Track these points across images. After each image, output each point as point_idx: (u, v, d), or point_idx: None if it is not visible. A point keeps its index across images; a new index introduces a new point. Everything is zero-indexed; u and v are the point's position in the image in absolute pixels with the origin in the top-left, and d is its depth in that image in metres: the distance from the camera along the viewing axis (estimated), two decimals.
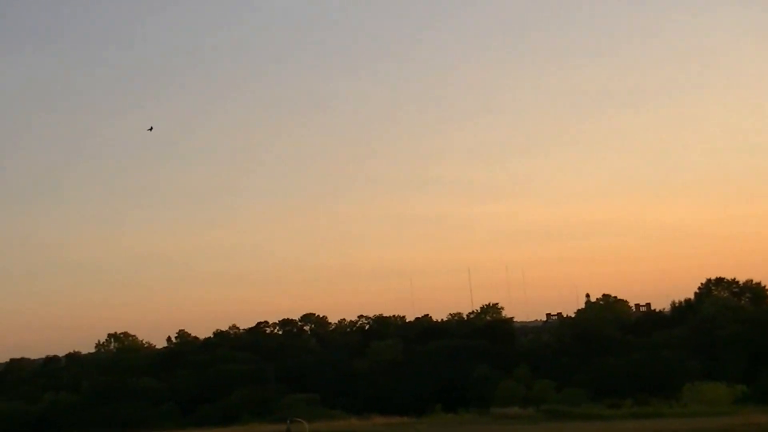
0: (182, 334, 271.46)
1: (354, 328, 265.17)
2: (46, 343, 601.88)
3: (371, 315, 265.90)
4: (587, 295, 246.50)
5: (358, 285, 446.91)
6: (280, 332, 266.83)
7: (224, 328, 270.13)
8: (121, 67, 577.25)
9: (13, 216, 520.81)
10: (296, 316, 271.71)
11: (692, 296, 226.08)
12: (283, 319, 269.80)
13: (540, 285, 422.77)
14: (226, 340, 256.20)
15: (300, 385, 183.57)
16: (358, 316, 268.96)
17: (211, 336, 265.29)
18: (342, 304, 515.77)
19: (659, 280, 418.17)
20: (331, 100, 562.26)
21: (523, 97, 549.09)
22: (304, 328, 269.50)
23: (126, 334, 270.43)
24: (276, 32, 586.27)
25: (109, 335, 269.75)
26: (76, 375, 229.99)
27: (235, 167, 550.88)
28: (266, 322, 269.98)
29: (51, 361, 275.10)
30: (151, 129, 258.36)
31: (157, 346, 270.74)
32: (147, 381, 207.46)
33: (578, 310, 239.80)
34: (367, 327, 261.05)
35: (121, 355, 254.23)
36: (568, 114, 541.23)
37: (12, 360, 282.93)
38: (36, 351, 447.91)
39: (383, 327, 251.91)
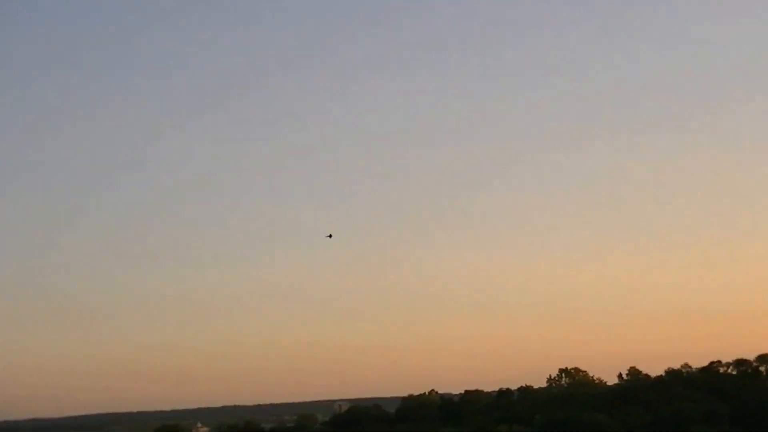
0: (633, 371, 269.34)
1: None
2: (500, 377, 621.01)
3: None
4: None
5: None
6: (734, 372, 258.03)
7: (676, 366, 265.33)
8: None
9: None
10: (751, 356, 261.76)
11: None
12: (738, 359, 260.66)
13: None
14: (678, 379, 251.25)
15: (759, 427, 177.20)
16: None
17: (663, 374, 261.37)
18: None
19: None
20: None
21: None
22: (760, 369, 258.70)
23: (577, 370, 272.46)
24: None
25: (561, 370, 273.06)
26: (528, 408, 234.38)
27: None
28: (719, 361, 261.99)
29: (504, 394, 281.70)
30: (330, 236, 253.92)
31: (608, 383, 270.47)
32: (599, 417, 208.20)
33: None
34: None
35: (573, 390, 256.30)
36: None
37: (467, 391, 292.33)
38: (489, 383, 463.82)
39: None
